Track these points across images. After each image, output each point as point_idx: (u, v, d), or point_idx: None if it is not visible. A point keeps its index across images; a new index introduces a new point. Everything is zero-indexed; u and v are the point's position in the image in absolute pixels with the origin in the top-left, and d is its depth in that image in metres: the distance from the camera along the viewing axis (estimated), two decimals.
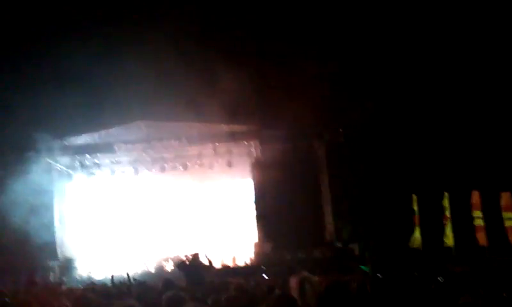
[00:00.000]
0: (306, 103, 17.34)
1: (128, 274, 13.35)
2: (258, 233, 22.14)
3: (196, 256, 10.98)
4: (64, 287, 13.78)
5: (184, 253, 22.91)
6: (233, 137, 22.37)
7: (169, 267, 21.48)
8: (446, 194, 19.19)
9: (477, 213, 18.70)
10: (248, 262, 21.98)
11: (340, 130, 20.51)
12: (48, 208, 22.79)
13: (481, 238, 18.34)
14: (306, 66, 19.01)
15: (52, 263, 22.28)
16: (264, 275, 15.99)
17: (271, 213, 21.25)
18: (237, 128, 22.39)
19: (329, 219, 21.64)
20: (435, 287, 5.68)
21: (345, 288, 4.53)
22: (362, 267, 16.82)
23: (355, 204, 19.24)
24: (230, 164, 22.83)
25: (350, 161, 19.12)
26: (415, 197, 19.41)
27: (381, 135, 19.26)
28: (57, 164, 23.52)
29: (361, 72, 19.16)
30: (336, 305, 4.15)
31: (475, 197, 18.89)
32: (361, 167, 18.87)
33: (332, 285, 4.66)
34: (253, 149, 22.89)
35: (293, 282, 4.73)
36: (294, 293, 4.50)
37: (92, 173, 23.86)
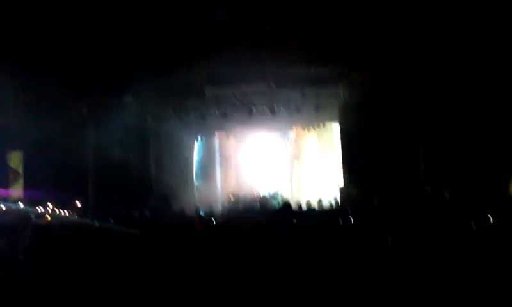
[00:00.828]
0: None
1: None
2: (344, 177, 22.10)
3: (286, 201, 11.29)
4: None
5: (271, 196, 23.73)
6: (322, 80, 22.07)
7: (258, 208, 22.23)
8: None
9: None
10: (334, 206, 22.13)
11: None
12: (145, 149, 24.12)
13: None
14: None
15: (149, 202, 23.80)
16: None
17: (357, 158, 21.02)
18: (325, 71, 22.02)
19: (419, 161, 20.98)
20: None
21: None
22: None
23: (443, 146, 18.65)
24: (317, 108, 22.70)
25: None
26: None
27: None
28: (150, 107, 24.59)
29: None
30: None
31: None
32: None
33: None
34: (341, 93, 22.52)
35: None
36: None
37: (183, 117, 24.74)
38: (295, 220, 11.50)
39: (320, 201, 22.48)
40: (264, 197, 23.68)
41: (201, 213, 18.02)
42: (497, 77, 17.63)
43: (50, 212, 22.09)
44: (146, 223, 13.44)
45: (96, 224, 16.58)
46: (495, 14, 15.28)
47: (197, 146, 27.72)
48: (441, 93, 18.81)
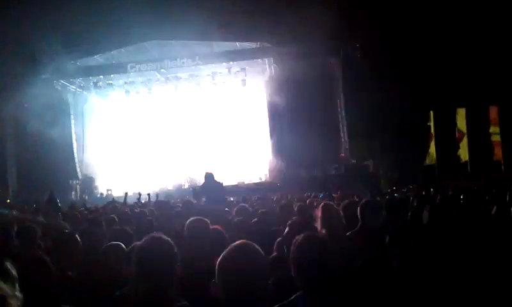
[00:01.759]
0: (322, 18, 16.78)
1: (149, 194, 13.79)
2: (273, 151, 22.35)
3: (210, 175, 10.92)
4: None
5: (200, 172, 23.50)
6: (247, 55, 22.01)
7: (187, 186, 21.99)
8: (462, 109, 19.09)
9: (494, 129, 18.71)
10: (263, 179, 22.41)
11: (357, 45, 19.96)
12: (66, 129, 23.17)
13: (497, 153, 18.46)
14: None
15: (73, 183, 22.98)
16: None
17: (285, 132, 21.28)
18: (250, 45, 22.00)
19: (344, 137, 21.72)
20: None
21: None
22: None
23: (371, 121, 19.15)
24: (244, 83, 22.63)
25: (366, 77, 18.77)
26: (430, 113, 19.34)
27: (398, 49, 18.80)
28: (72, 86, 23.59)
29: None
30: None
31: (493, 113, 18.80)
32: (377, 83, 18.56)
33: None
34: (267, 68, 22.59)
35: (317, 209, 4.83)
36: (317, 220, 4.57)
37: (107, 94, 23.89)
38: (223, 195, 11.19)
39: (250, 176, 22.65)
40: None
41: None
42: None
43: None
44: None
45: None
46: None
47: None
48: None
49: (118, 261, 3.49)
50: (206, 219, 4.24)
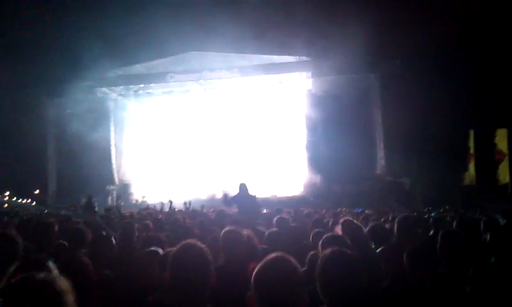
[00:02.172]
0: (361, 33, 16.68)
1: (186, 202, 13.96)
2: (308, 165, 22.25)
3: (243, 186, 10.94)
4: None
5: (235, 184, 23.56)
6: (285, 68, 22.09)
7: (221, 196, 22.06)
8: (504, 130, 18.57)
9: None
10: (297, 193, 22.30)
11: (397, 61, 19.74)
12: (105, 135, 23.80)
13: None
14: None
15: (109, 188, 23.48)
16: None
17: (321, 146, 21.18)
18: (288, 59, 22.08)
19: (380, 153, 21.42)
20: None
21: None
22: None
23: (408, 139, 18.82)
24: (281, 96, 22.70)
25: (405, 94, 18.50)
26: (470, 133, 18.91)
27: (439, 66, 18.47)
28: (113, 93, 24.21)
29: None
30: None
31: None
32: (416, 100, 18.29)
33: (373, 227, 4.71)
34: (305, 81, 22.60)
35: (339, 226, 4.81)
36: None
37: (146, 103, 24.40)
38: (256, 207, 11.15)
39: (284, 189, 22.61)
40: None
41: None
42: None
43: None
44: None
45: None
46: None
47: None
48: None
49: (153, 267, 3.56)
50: (240, 229, 4.27)
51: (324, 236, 3.80)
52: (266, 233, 5.61)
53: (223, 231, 4.21)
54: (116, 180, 24.29)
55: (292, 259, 2.22)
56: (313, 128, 21.96)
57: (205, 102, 24.06)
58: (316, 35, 18.86)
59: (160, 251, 3.95)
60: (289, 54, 21.83)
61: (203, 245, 2.58)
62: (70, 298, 1.75)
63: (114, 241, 4.35)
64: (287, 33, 19.51)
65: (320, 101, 20.92)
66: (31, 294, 1.69)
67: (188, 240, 2.64)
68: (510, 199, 16.60)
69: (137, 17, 19.16)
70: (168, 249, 3.36)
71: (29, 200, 22.66)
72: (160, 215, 9.29)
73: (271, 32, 18.68)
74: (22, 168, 21.25)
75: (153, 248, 4.06)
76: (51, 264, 2.26)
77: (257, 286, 2.15)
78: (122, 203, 22.05)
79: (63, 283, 1.76)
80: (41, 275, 1.77)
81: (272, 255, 2.25)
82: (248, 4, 18.19)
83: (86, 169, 21.71)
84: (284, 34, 19.62)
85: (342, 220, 4.71)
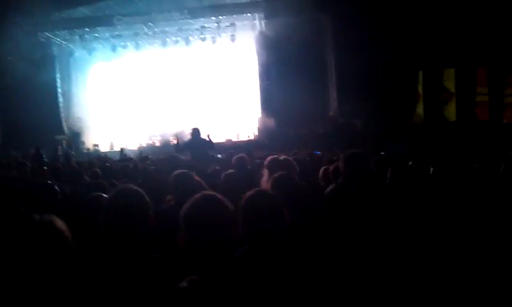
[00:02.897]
0: None
1: (121, 149, 13.76)
2: (262, 108, 22.28)
3: (195, 131, 10.85)
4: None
5: (187, 128, 23.39)
6: (237, 9, 21.54)
7: (173, 141, 21.90)
8: (451, 70, 19.06)
9: (482, 90, 18.76)
10: (252, 137, 22.41)
11: (348, 2, 19.60)
12: (51, 83, 22.83)
13: (483, 113, 18.57)
14: None
15: (58, 137, 22.77)
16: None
17: (274, 90, 21.15)
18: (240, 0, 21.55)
19: (333, 95, 21.63)
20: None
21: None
22: None
23: (360, 81, 19.04)
24: (233, 39, 22.30)
25: (356, 35, 18.53)
26: (419, 74, 19.30)
27: (391, 9, 18.54)
28: (57, 38, 23.04)
29: None
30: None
31: (481, 73, 18.80)
32: (367, 42, 18.39)
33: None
34: (257, 23, 22.20)
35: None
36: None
37: (93, 48, 23.37)
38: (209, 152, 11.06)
39: (238, 133, 22.65)
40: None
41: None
42: None
43: None
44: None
45: None
46: None
47: None
48: None
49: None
50: (191, 172, 4.26)
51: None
52: (222, 175, 5.61)
53: (173, 173, 4.19)
54: (66, 129, 23.54)
55: (220, 196, 2.22)
56: (266, 72, 21.83)
57: (155, 47, 23.31)
58: None
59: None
60: None
61: (137, 188, 2.52)
62: (69, 235, 1.93)
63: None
64: None
65: (273, 44, 20.67)
66: (34, 233, 1.83)
67: (123, 185, 2.60)
68: (457, 135, 17.25)
69: None
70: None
71: None
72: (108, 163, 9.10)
73: None
74: None
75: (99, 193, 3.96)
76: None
77: (185, 225, 2.13)
78: (73, 153, 21.50)
79: (61, 223, 1.94)
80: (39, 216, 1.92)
81: (200, 194, 2.24)
82: None
83: (33, 119, 20.80)
84: None
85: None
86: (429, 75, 19.19)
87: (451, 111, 18.95)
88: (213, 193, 2.28)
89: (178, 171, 4.20)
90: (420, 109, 19.31)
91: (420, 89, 19.34)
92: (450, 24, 18.57)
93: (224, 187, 4.80)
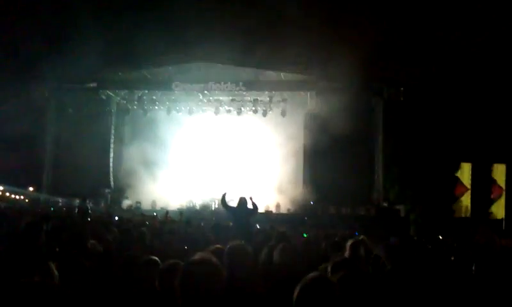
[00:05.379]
0: (367, 57, 16.84)
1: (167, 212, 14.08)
2: (305, 184, 22.28)
3: (242, 200, 11.02)
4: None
5: (230, 196, 23.51)
6: (290, 86, 22.24)
7: (217, 207, 22.04)
8: (502, 165, 18.71)
9: None
10: (292, 211, 22.27)
11: (401, 88, 19.87)
12: (105, 137, 23.84)
13: None
14: (364, 20, 18.51)
15: (104, 191, 23.35)
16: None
17: (319, 166, 21.21)
18: (294, 77, 22.26)
19: (378, 179, 21.47)
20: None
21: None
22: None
23: (406, 166, 18.94)
24: (284, 113, 22.78)
25: (406, 122, 18.65)
26: (464, 165, 19.03)
27: (442, 97, 18.66)
28: (117, 97, 24.23)
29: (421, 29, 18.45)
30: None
31: None
32: (416, 129, 18.44)
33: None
34: (308, 101, 22.74)
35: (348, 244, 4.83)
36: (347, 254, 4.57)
37: (149, 109, 24.33)
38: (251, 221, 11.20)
39: (279, 205, 22.61)
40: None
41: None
42: None
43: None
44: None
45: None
46: None
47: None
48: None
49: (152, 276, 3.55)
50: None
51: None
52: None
53: (228, 246, 4.21)
54: (112, 183, 24.21)
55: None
56: (313, 148, 22.00)
57: (208, 112, 24.06)
58: (322, 55, 19.03)
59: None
60: (296, 72, 22.01)
61: (215, 259, 2.59)
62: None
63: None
64: (296, 51, 19.70)
65: (322, 121, 20.95)
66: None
67: (200, 254, 2.65)
68: (504, 234, 16.65)
69: (148, 21, 19.29)
70: (173, 261, 3.38)
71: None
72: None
73: (280, 49, 18.82)
74: (17, 162, 21.05)
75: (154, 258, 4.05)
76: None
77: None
78: (116, 208, 21.96)
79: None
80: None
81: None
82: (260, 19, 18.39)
83: (82, 169, 21.60)
84: (292, 53, 19.81)
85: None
86: (478, 169, 18.89)
87: (499, 208, 18.44)
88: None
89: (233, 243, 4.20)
90: (466, 202, 18.89)
91: (466, 182, 19.01)
92: (500, 119, 18.47)
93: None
